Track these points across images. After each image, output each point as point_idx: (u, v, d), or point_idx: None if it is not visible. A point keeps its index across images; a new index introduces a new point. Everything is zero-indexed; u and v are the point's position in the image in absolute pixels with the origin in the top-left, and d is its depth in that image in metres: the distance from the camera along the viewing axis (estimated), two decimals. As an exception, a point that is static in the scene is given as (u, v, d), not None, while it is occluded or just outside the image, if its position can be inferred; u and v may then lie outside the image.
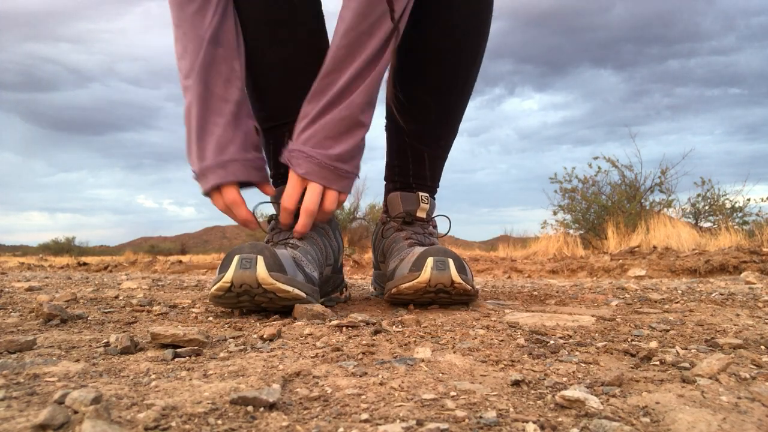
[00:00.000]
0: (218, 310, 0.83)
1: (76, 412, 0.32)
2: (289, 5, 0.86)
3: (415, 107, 0.97)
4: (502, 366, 0.48)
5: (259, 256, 0.70)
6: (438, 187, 1.04)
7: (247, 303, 0.74)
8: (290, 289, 0.71)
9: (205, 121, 0.82)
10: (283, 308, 0.75)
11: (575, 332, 0.65)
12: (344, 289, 1.02)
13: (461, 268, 0.80)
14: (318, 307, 0.72)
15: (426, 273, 0.78)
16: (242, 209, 0.85)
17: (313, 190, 0.81)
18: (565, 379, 0.44)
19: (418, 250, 0.84)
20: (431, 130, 0.99)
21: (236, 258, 0.70)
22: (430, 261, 0.78)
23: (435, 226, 1.03)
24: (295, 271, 0.76)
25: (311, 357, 0.50)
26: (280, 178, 0.92)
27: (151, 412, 0.33)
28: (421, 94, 0.96)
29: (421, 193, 0.98)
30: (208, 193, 0.84)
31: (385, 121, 1.03)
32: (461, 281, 0.78)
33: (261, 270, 0.69)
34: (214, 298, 0.74)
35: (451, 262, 0.78)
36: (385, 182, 1.06)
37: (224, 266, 0.72)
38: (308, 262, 0.82)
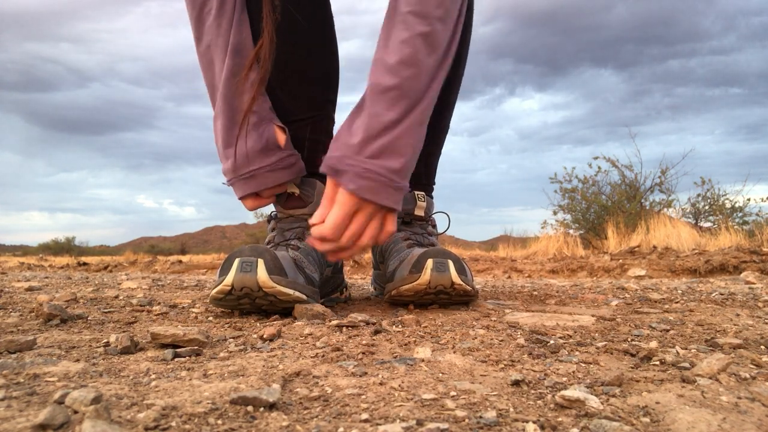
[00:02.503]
0: (218, 310, 0.83)
1: (76, 412, 0.32)
2: (301, 5, 0.85)
3: None
4: (502, 366, 0.48)
5: (259, 259, 0.70)
6: (434, 184, 1.04)
7: (247, 305, 0.74)
8: (291, 291, 0.71)
9: (231, 133, 0.83)
10: (284, 309, 0.75)
11: (575, 332, 0.65)
12: (344, 289, 1.02)
13: (461, 270, 0.80)
14: (318, 307, 0.72)
15: (426, 275, 0.78)
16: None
17: (369, 214, 0.70)
18: (565, 379, 0.44)
19: (418, 251, 0.84)
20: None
21: (237, 261, 0.70)
22: (430, 263, 0.78)
23: (434, 226, 1.03)
24: (295, 274, 0.76)
25: (311, 357, 0.50)
26: None
27: (151, 412, 0.33)
28: None
29: (416, 192, 0.98)
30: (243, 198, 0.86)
31: None
32: (461, 282, 0.78)
33: (262, 273, 0.69)
34: (215, 301, 0.74)
35: (450, 263, 0.78)
36: None
37: (224, 269, 0.72)
38: (309, 263, 0.82)
